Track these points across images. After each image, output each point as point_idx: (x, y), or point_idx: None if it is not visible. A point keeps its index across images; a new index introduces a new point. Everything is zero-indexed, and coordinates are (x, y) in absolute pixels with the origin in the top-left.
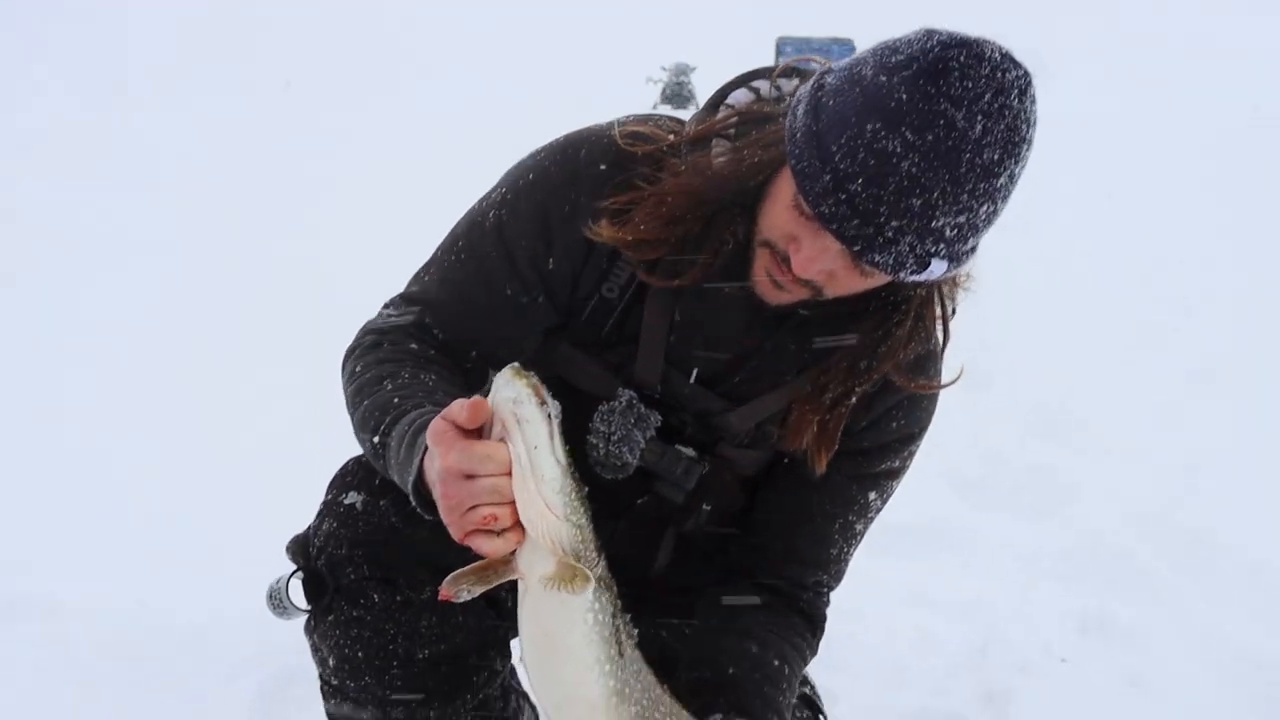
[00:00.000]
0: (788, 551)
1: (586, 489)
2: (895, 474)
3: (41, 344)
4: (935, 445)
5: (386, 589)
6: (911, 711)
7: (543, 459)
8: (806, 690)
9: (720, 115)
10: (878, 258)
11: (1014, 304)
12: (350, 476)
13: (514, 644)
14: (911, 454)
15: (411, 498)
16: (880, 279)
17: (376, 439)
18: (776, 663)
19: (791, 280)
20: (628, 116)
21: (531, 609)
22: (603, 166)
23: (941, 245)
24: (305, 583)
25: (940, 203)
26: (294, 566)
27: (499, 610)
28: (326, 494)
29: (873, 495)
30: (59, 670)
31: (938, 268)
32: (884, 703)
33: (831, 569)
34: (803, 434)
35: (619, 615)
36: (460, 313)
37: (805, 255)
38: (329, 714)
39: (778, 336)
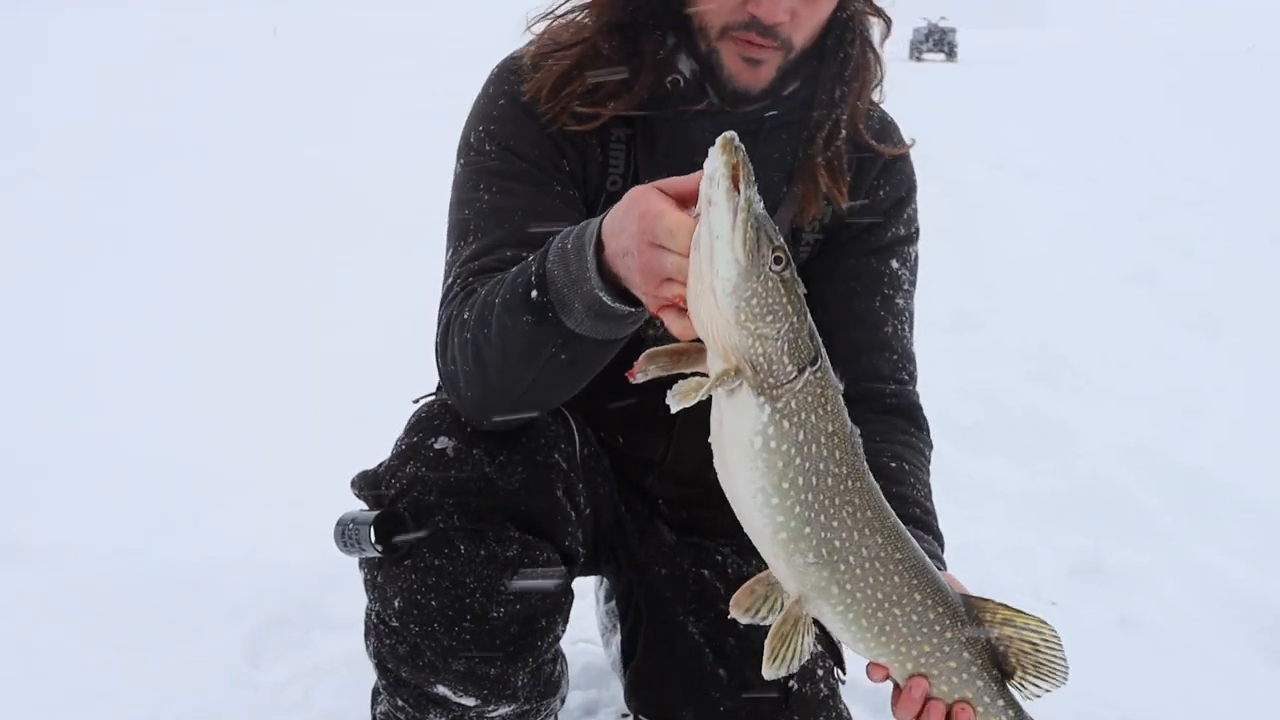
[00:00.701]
0: (847, 350)
1: (801, 291)
2: (905, 240)
3: (42, 296)
4: (927, 387)
5: (474, 541)
6: None
7: (720, 252)
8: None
9: None
10: None
11: (1008, 246)
12: (439, 420)
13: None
14: (911, 218)
15: (598, 286)
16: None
17: (535, 293)
18: (894, 464)
19: (760, 47)
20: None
21: (715, 407)
22: (548, 61)
23: None
24: (377, 522)
25: None
26: (364, 504)
27: (571, 569)
28: (409, 435)
29: (895, 264)
30: (54, 613)
31: None
32: None
33: (895, 347)
34: (814, 192)
35: (817, 443)
36: (531, 226)
37: (769, 3)
38: (374, 652)
39: (760, 150)
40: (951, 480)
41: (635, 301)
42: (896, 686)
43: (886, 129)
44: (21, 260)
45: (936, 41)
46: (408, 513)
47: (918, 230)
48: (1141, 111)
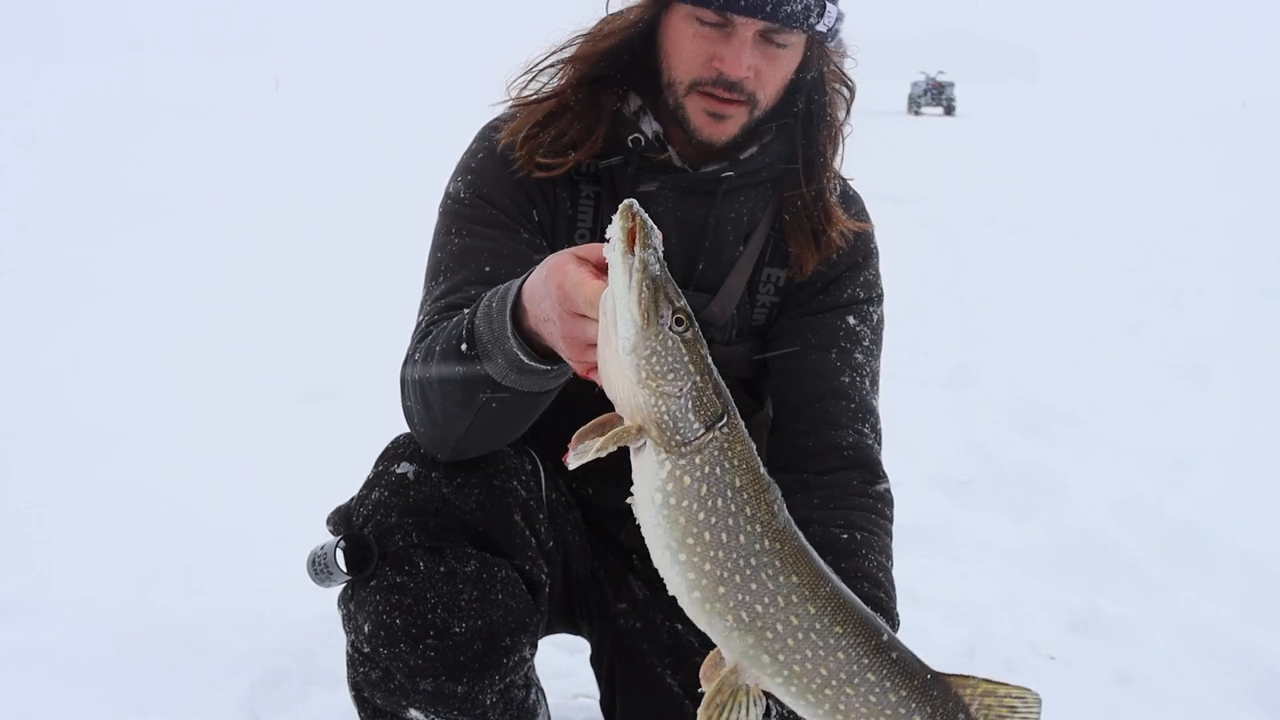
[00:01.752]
0: (802, 401)
1: (705, 350)
2: (865, 301)
3: (31, 342)
4: (923, 443)
5: (432, 557)
6: None
7: (619, 313)
8: None
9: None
10: (788, 8)
11: (1002, 300)
12: (402, 449)
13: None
14: (870, 283)
15: (516, 345)
16: (794, 54)
17: (465, 346)
18: (845, 535)
19: (725, 102)
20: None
21: (633, 467)
22: (524, 111)
23: None
24: (347, 551)
25: None
26: (335, 537)
27: (536, 596)
28: (376, 465)
29: (852, 320)
30: (46, 670)
31: (832, 10)
32: None
33: (852, 397)
34: (805, 241)
35: (723, 497)
36: (494, 267)
37: (732, 57)
38: (353, 683)
39: (716, 210)
40: (948, 535)
41: (557, 358)
42: None
43: (849, 200)
44: (9, 307)
45: (934, 96)
46: (371, 536)
47: (880, 295)
48: (1133, 164)
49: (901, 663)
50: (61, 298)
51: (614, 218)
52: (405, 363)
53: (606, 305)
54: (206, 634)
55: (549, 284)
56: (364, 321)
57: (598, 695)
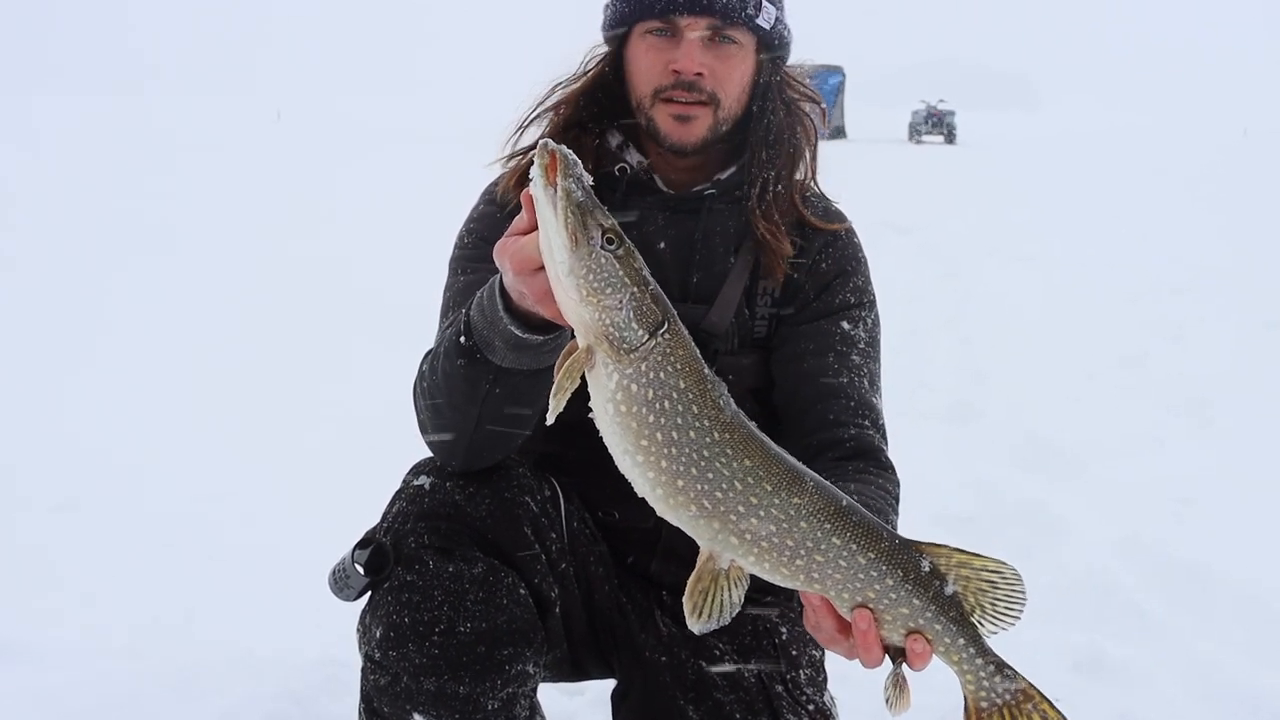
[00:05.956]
0: (803, 405)
1: (639, 264)
2: (856, 306)
3: (31, 383)
4: (926, 480)
5: (441, 558)
6: None
7: (552, 240)
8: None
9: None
10: (724, 1)
11: (1002, 333)
12: (422, 466)
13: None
14: (860, 288)
15: (508, 321)
16: (745, 54)
17: (463, 339)
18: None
19: (688, 104)
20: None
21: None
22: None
23: None
24: (367, 560)
25: None
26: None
27: (545, 615)
28: (400, 483)
29: (846, 325)
30: (46, 715)
31: (769, 8)
32: None
33: (852, 396)
34: (774, 250)
35: (669, 399)
36: None
37: (684, 57)
38: (364, 694)
39: (702, 224)
40: None
41: (547, 330)
42: (830, 616)
43: (829, 213)
44: (13, 344)
45: (935, 124)
46: (388, 542)
47: (871, 300)
48: (1134, 194)
49: (865, 526)
50: (68, 331)
51: (533, 157)
52: (415, 381)
53: (544, 242)
54: (204, 680)
55: (503, 267)
56: (368, 353)
57: None
